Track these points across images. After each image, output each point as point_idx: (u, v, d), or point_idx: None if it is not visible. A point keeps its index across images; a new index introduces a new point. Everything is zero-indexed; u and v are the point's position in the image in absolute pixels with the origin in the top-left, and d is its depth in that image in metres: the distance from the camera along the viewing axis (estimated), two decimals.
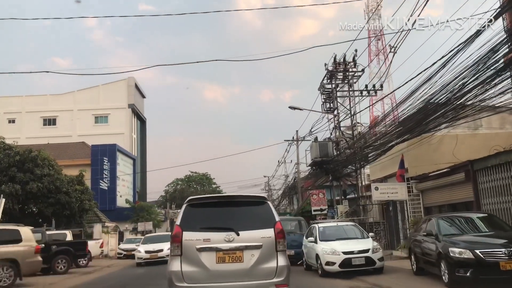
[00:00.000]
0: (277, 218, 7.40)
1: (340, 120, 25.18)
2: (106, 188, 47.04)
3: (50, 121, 59.02)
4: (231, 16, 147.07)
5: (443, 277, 9.55)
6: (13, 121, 57.76)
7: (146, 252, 22.07)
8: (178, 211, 61.60)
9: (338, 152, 24.79)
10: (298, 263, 16.77)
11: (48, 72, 15.48)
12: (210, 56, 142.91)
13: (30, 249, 14.23)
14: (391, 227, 20.65)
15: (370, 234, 14.53)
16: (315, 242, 14.05)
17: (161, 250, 21.56)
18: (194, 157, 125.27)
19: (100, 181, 46.91)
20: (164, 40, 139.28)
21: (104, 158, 47.73)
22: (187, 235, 7.01)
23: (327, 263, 12.96)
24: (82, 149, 49.68)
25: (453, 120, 13.77)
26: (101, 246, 25.45)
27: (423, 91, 14.73)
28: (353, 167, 23.49)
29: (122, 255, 30.28)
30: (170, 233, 23.19)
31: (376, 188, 17.72)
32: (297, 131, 42.60)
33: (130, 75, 60.13)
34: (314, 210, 25.09)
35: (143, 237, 34.51)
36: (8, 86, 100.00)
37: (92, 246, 23.70)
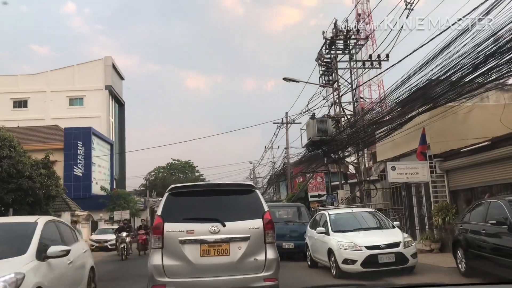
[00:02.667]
0: (266, 207, 6.74)
1: (341, 94, 22.15)
2: (81, 174, 43.40)
3: (20, 103, 54.85)
4: (212, 2, 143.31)
5: None
6: None
7: None
8: (159, 199, 58.37)
9: (338, 131, 21.79)
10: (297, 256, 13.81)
11: None
12: (192, 44, 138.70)
13: None
14: (404, 215, 17.75)
15: (395, 223, 11.57)
16: (326, 233, 11.06)
17: None
18: (177, 145, 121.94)
19: (74, 166, 43.26)
20: (145, 28, 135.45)
21: (78, 142, 43.98)
22: (169, 227, 6.43)
23: (345, 261, 9.97)
24: (54, 133, 45.93)
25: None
26: None
27: (459, 44, 11.86)
28: (356, 147, 20.54)
29: (93, 247, 26.98)
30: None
31: (393, 168, 14.76)
32: (286, 113, 39.74)
33: (107, 55, 56.47)
34: (311, 196, 22.13)
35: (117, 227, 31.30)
36: None
37: None
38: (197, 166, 79.29)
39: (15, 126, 43.48)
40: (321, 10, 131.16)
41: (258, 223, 6.47)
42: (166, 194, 6.86)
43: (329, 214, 11.71)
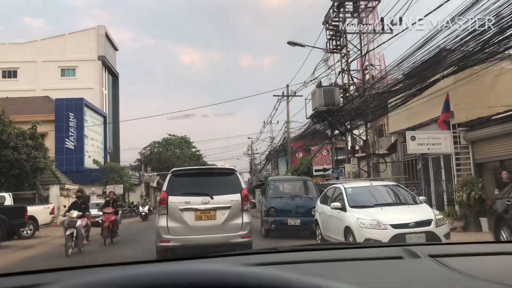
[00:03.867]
0: (243, 185, 9.07)
1: (350, 60, 20.49)
2: (73, 147, 41.79)
3: (10, 73, 52.81)
4: None
5: None
6: None
7: None
8: (154, 174, 56.92)
9: (346, 100, 20.22)
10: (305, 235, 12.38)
11: None
12: (188, 19, 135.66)
13: None
14: (423, 190, 16.27)
15: (421, 198, 10.08)
16: (343, 209, 9.57)
17: None
18: (172, 122, 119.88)
19: (66, 139, 41.67)
20: (139, 1, 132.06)
21: (70, 114, 42.24)
22: (172, 199, 8.54)
23: (367, 241, 8.50)
24: (45, 104, 44.19)
25: None
26: (52, 212, 20.61)
27: None
28: (366, 117, 19.01)
29: None
30: None
31: (413, 138, 13.22)
32: (287, 85, 38.03)
33: (100, 24, 54.27)
34: (316, 170, 20.66)
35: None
36: None
37: (39, 212, 18.83)
38: (193, 142, 77.74)
39: (3, 97, 41.81)
40: None
41: (237, 196, 8.54)
42: (169, 175, 8.94)
43: (345, 187, 10.20)
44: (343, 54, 20.63)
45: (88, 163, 42.32)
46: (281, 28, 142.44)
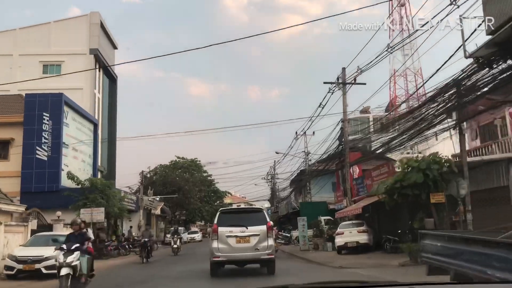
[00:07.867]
0: (268, 219, 14.13)
1: None
2: (46, 158, 30.51)
3: None
4: (217, 10, 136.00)
5: None
6: None
7: None
8: (157, 198, 45.33)
9: None
10: None
11: None
12: (197, 51, 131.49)
13: None
14: None
15: None
16: None
17: None
18: (180, 151, 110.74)
19: (37, 147, 30.47)
20: (149, 35, 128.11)
21: (44, 114, 31.18)
22: (221, 229, 13.25)
23: None
24: (16, 103, 33.44)
25: None
26: None
27: None
28: None
29: (14, 271, 13.95)
30: None
31: None
32: (343, 68, 27.26)
33: (95, 11, 43.73)
34: None
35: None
36: None
37: None
38: (204, 166, 66.79)
39: None
40: (325, 19, 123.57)
41: (264, 227, 13.38)
42: (218, 213, 14.34)
43: None
44: None
45: (68, 180, 30.78)
46: (289, 61, 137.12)
